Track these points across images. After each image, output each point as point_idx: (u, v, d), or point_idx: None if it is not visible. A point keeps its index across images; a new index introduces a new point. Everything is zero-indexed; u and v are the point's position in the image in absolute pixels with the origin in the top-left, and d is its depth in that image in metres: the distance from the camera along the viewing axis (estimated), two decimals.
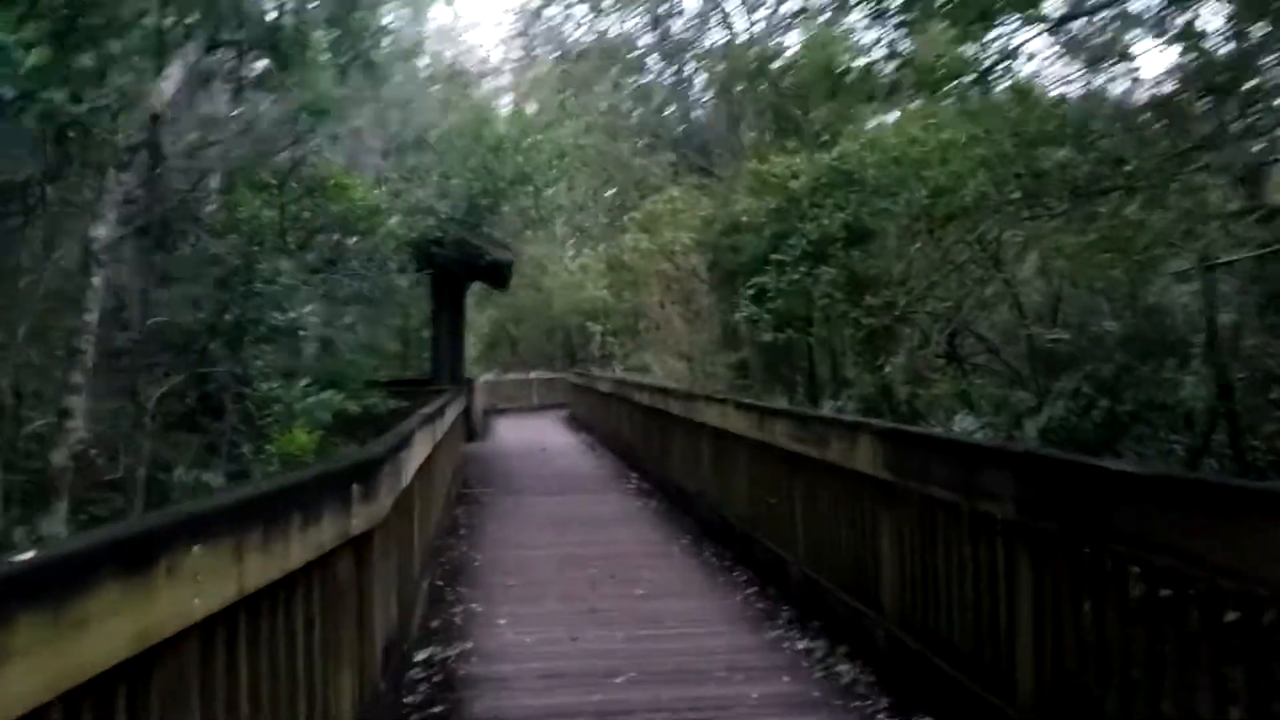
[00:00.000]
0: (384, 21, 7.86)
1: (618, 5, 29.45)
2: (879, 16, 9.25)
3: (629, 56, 30.43)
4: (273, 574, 3.17)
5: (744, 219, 15.11)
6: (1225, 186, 9.12)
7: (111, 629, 2.11)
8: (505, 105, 18.09)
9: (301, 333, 7.40)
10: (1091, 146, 8.20)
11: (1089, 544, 3.71)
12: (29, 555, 1.90)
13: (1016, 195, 8.97)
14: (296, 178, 7.76)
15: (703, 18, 28.00)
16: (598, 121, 25.01)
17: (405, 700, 5.26)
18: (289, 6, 6.78)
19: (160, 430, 6.58)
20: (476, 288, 27.34)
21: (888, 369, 11.74)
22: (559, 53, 31.54)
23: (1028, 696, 4.04)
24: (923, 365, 11.67)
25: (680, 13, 29.14)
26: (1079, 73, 10.89)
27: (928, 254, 11.15)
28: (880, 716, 4.92)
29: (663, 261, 18.64)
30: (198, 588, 2.61)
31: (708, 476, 10.39)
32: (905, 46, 8.03)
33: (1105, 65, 10.03)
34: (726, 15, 27.09)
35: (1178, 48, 9.20)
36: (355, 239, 8.56)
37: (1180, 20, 8.11)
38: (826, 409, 13.39)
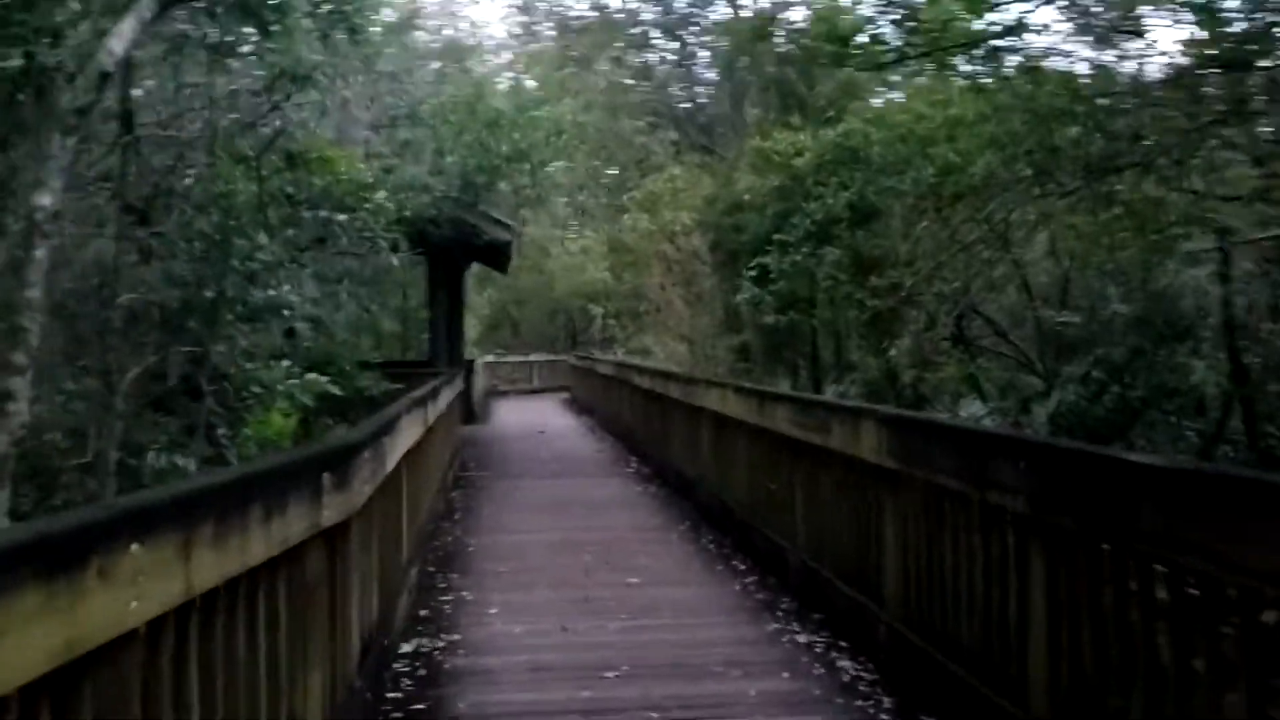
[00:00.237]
0: None
1: None
2: None
3: (631, 32, 30.04)
4: (229, 571, 2.95)
5: (746, 198, 14.83)
6: (1244, 164, 8.82)
7: (30, 640, 1.88)
8: (504, 81, 17.71)
9: (286, 312, 7.15)
10: (1106, 122, 7.90)
11: (1110, 542, 3.47)
12: None
13: (1028, 173, 8.67)
14: (276, 149, 7.49)
15: None
16: (598, 99, 24.66)
17: (387, 695, 5.04)
18: None
19: (137, 412, 6.36)
20: (477, 269, 27.10)
21: (893, 352, 11.48)
22: (560, 29, 31.16)
23: (1041, 701, 3.80)
24: (929, 348, 11.40)
25: None
26: (1091, 47, 10.61)
27: (935, 234, 10.87)
28: (883, 718, 4.69)
29: (663, 242, 18.37)
30: (137, 590, 2.39)
31: (707, 462, 10.18)
32: (913, 15, 7.73)
33: (1118, 40, 9.74)
34: None
35: (1192, 22, 8.93)
36: (344, 216, 8.31)
37: None
38: (829, 393, 13.17)
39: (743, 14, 24.81)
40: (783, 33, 18.13)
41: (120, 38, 4.71)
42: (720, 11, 27.81)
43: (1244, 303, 9.86)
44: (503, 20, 41.31)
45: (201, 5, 6.02)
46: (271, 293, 6.52)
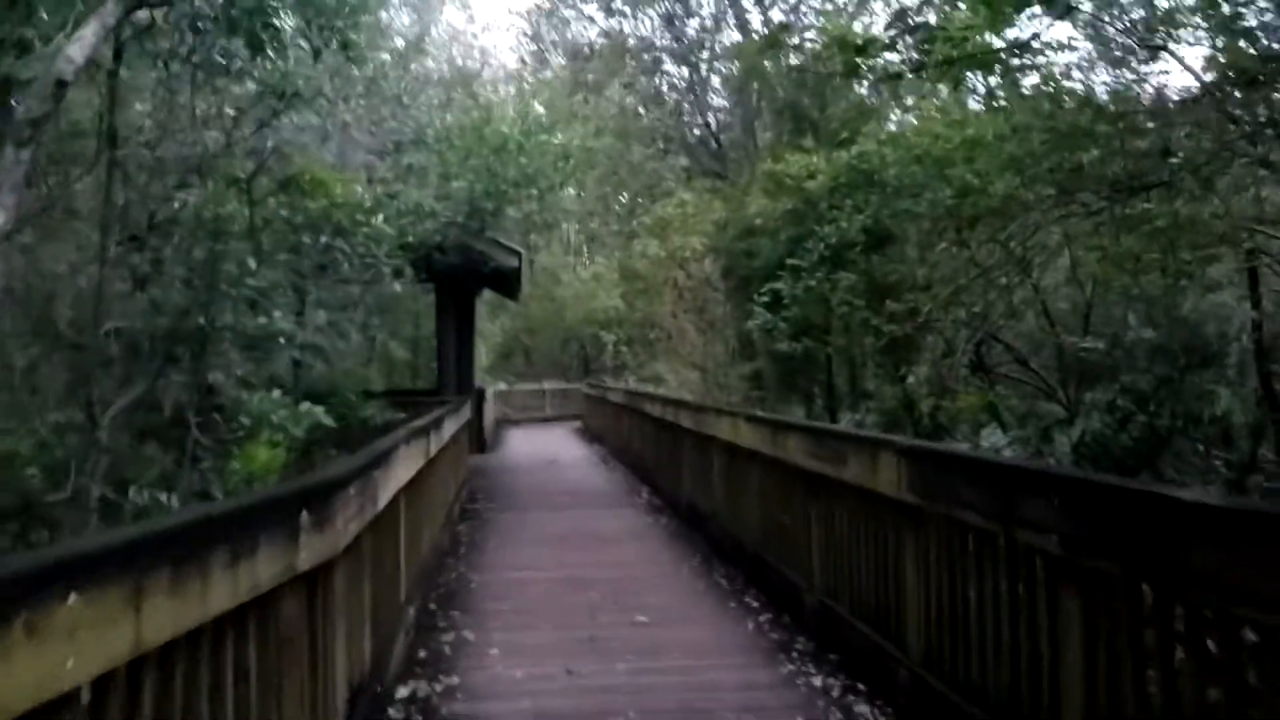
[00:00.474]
0: None
1: (629, 1, 28.95)
2: None
3: (643, 56, 29.96)
4: (186, 623, 2.70)
5: (758, 222, 14.56)
6: (1274, 182, 8.52)
7: None
8: (512, 108, 17.56)
9: (283, 340, 6.91)
10: (1131, 140, 7.62)
11: (1154, 586, 3.18)
12: None
13: (1050, 193, 8.38)
14: (267, 172, 7.28)
15: (717, 18, 27.49)
16: (608, 125, 24.52)
17: None
18: None
19: (127, 445, 6.12)
20: (489, 297, 26.94)
21: (910, 380, 11.14)
22: (570, 55, 31.13)
23: None
24: (948, 376, 11.07)
25: (695, 15, 28.65)
26: (1108, 69, 10.38)
27: (953, 257, 10.56)
28: None
29: (675, 269, 18.12)
30: (74, 646, 2.14)
31: (719, 493, 9.88)
32: (928, 24, 7.51)
33: (1136, 62, 9.50)
34: (743, 9, 26.53)
35: (1215, 42, 8.68)
36: (344, 242, 8.10)
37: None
38: (845, 422, 12.85)
39: (754, 37, 24.72)
40: (795, 41, 17.92)
41: (81, 44, 4.51)
42: (731, 37, 27.74)
43: (1271, 327, 9.55)
44: (513, 49, 41.43)
45: (185, 16, 5.82)
46: (263, 320, 6.28)
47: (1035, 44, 7.72)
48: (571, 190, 17.41)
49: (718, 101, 29.13)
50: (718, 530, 9.76)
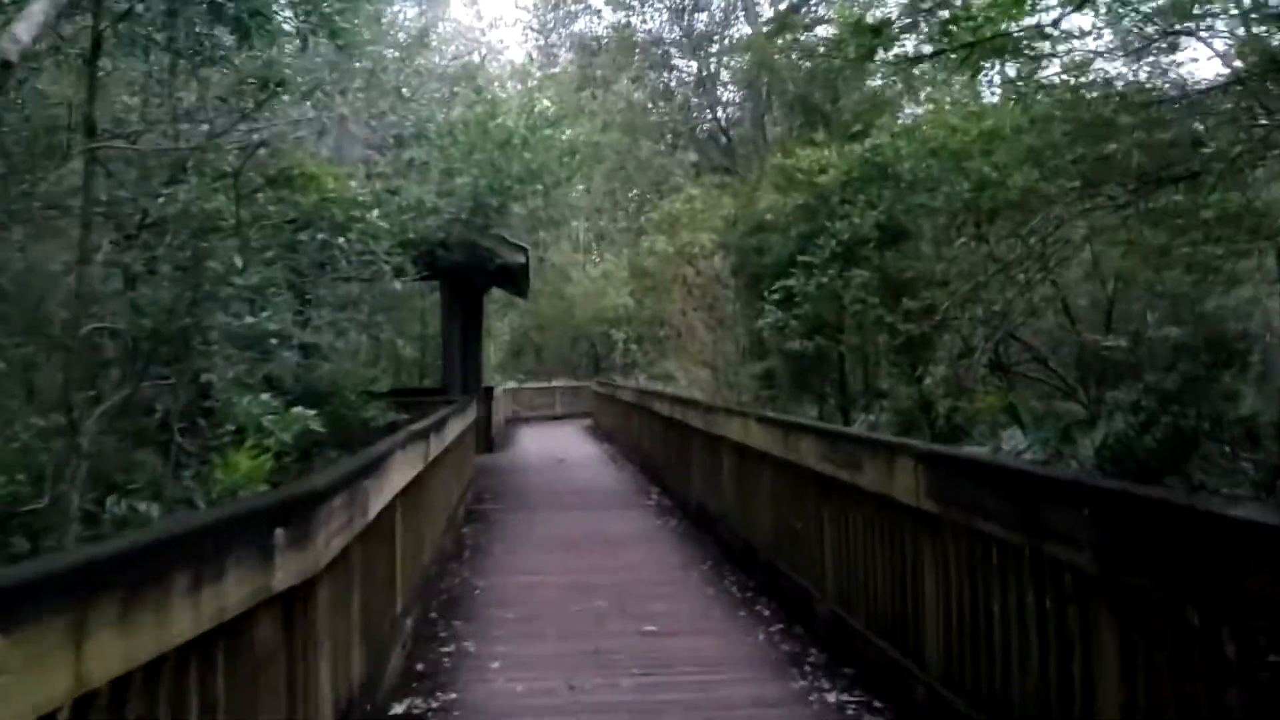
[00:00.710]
0: None
1: None
2: None
3: (652, 50, 29.63)
4: (141, 655, 2.46)
5: (768, 217, 14.26)
6: None
7: None
8: (517, 101, 17.30)
9: (274, 340, 6.67)
10: (1160, 129, 7.31)
11: (1199, 611, 2.91)
12: None
13: (1075, 184, 8.08)
14: (259, 166, 7.02)
15: (727, 10, 27.14)
16: (616, 119, 24.24)
17: None
18: None
19: (114, 450, 5.90)
20: (498, 295, 26.72)
21: (927, 380, 10.83)
22: (578, 49, 30.84)
23: None
24: (965, 376, 10.75)
25: (704, 8, 28.31)
26: (1127, 61, 10.08)
27: (971, 253, 10.24)
28: None
29: (684, 266, 17.84)
30: None
31: (729, 495, 9.62)
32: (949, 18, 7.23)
33: (1161, 46, 9.20)
34: (754, 1, 26.19)
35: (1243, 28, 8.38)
36: (343, 239, 7.85)
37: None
38: (859, 423, 12.57)
39: (764, 31, 24.39)
40: (806, 24, 17.56)
41: (29, 22, 4.25)
42: (741, 30, 27.38)
43: None
44: (520, 44, 41.14)
45: (163, 1, 5.58)
46: (251, 320, 6.04)
47: (1055, 30, 7.42)
48: (579, 186, 17.10)
49: (727, 96, 28.86)
50: (728, 533, 9.51)
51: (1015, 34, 7.17)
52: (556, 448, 22.67)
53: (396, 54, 11.42)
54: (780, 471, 7.67)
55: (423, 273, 10.70)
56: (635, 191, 28.65)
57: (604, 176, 24.21)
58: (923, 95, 14.64)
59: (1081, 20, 9.15)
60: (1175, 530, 2.97)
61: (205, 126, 6.73)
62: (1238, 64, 7.51)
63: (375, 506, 4.93)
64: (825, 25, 17.72)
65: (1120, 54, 11.35)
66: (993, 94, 11.69)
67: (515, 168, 13.30)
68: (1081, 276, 11.60)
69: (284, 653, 3.44)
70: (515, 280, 17.58)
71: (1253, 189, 7.51)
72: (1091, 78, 8.72)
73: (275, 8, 5.63)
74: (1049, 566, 3.70)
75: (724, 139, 27.00)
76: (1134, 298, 10.59)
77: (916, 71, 11.10)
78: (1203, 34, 7.75)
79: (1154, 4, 8.95)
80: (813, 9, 23.61)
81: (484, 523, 11.81)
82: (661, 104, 29.73)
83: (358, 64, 7.46)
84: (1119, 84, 9.43)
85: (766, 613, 7.30)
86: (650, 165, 26.29)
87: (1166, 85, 9.11)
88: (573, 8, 31.48)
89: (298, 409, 6.67)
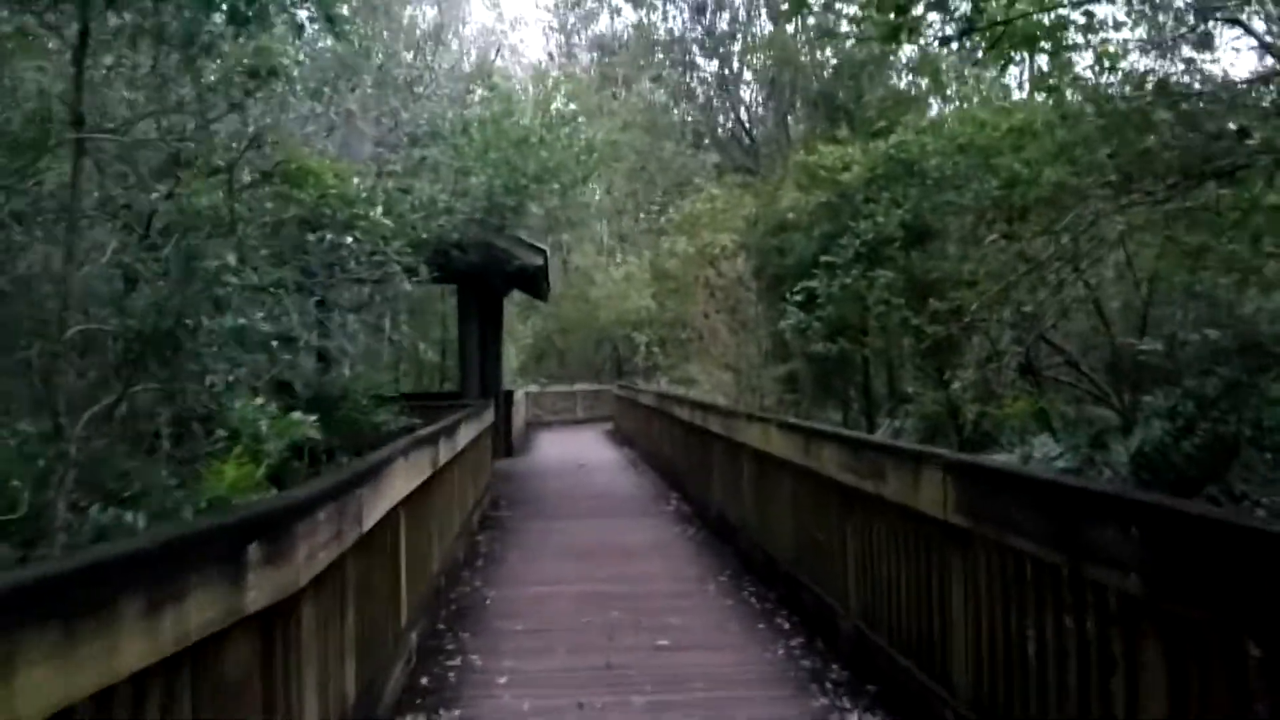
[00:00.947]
0: None
1: None
2: None
3: (673, 49, 29.33)
4: (85, 687, 2.24)
5: (790, 216, 13.94)
6: None
7: None
8: (534, 99, 17.06)
9: (275, 343, 6.46)
10: (1201, 121, 6.96)
11: (1260, 642, 2.62)
12: None
13: (1111, 178, 7.73)
14: (260, 159, 6.80)
15: (749, 9, 26.77)
16: (637, 119, 23.97)
17: None
18: None
19: (105, 457, 5.69)
20: (520, 299, 26.52)
21: (955, 384, 10.48)
22: (597, 48, 30.60)
23: None
24: (995, 380, 10.40)
25: (726, 7, 27.95)
26: (1166, 48, 9.74)
27: (1001, 251, 9.89)
28: None
29: (705, 268, 17.56)
30: None
31: (749, 504, 9.34)
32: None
33: (1191, 40, 8.85)
34: None
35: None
36: (350, 239, 7.62)
37: None
38: (884, 428, 12.24)
39: (786, 30, 24.05)
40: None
41: None
42: (764, 28, 27.02)
43: None
44: (543, 48, 41.01)
45: None
46: (243, 321, 5.83)
47: (1084, 18, 7.10)
48: (597, 186, 16.84)
49: (750, 95, 28.53)
50: (747, 543, 9.23)
51: (1050, 18, 6.86)
52: (576, 453, 22.44)
53: (409, 52, 11.18)
54: (802, 480, 7.39)
55: (436, 274, 10.45)
56: (660, 195, 28.34)
57: (625, 178, 23.93)
58: (950, 92, 14.31)
59: (1115, 10, 8.86)
60: (1235, 554, 2.68)
61: (191, 123, 6.50)
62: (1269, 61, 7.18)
63: (372, 517, 4.70)
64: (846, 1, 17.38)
65: (1151, 49, 11.02)
66: (1021, 91, 11.36)
67: (531, 166, 13.03)
68: (1114, 278, 11.22)
69: (260, 676, 3.20)
70: (534, 282, 17.33)
71: None
72: (1125, 68, 8.41)
73: None
74: (1090, 589, 3.41)
75: (747, 139, 26.68)
76: (1170, 300, 10.21)
77: (943, 66, 10.77)
78: (1241, 19, 7.40)
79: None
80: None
81: (499, 530, 11.58)
82: (683, 103, 29.41)
83: (366, 60, 7.21)
84: (1150, 79, 9.10)
85: (787, 626, 7.02)
86: (671, 166, 25.99)
87: (1198, 83, 8.78)
88: (593, 6, 31.28)
89: (297, 414, 6.44)
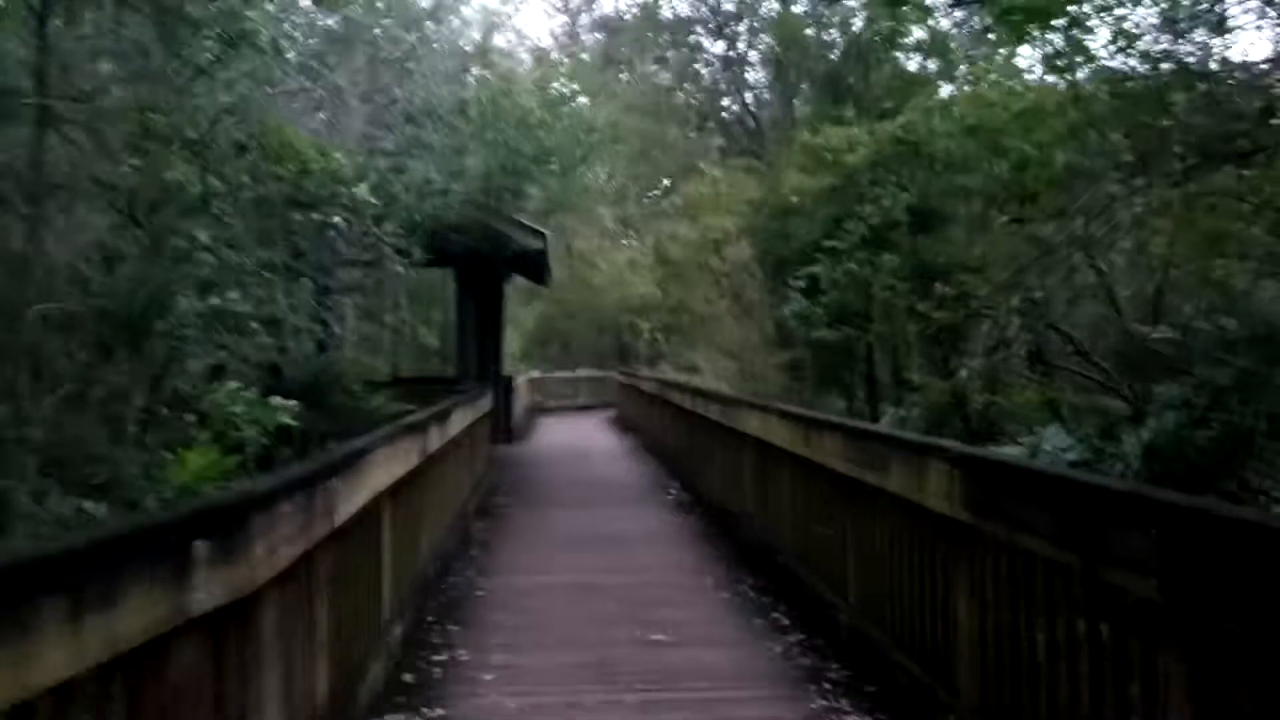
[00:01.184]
0: None
1: None
2: None
3: (678, 31, 28.96)
4: None
5: (794, 200, 13.65)
6: None
7: None
8: (533, 79, 16.75)
9: (254, 325, 6.23)
10: (1226, 101, 6.68)
11: None
12: None
13: (1127, 159, 7.46)
14: (226, 134, 6.54)
15: None
16: (640, 100, 23.65)
17: None
18: None
19: (71, 443, 5.48)
20: (522, 284, 26.24)
21: (961, 373, 10.22)
22: (601, 27, 30.22)
23: None
24: (1003, 368, 10.13)
25: None
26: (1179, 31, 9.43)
27: (1011, 234, 9.60)
28: None
29: (709, 253, 17.29)
30: None
31: (749, 494, 9.12)
32: None
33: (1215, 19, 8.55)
34: None
35: None
36: (338, 218, 7.39)
37: None
38: (888, 417, 12.00)
39: (792, 10, 23.71)
40: None
41: None
42: (771, 8, 26.61)
43: None
44: (547, 29, 40.65)
45: None
46: (216, 302, 5.59)
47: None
48: (599, 170, 16.55)
49: (755, 78, 28.16)
50: (747, 534, 9.02)
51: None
52: (577, 440, 22.27)
53: (406, 30, 10.90)
54: (802, 470, 7.17)
55: (431, 257, 10.17)
56: (665, 181, 28.02)
57: (629, 161, 23.58)
58: (959, 71, 13.99)
59: None
60: (1267, 560, 2.44)
61: (164, 94, 6.23)
62: None
63: (347, 509, 4.47)
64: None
65: (1165, 32, 10.71)
66: (1032, 74, 11.05)
67: (529, 147, 12.75)
68: (1124, 265, 10.93)
69: (212, 681, 2.98)
70: (534, 266, 17.07)
71: None
72: (1142, 48, 8.11)
73: None
74: (1107, 592, 3.18)
75: (752, 122, 26.36)
76: (1183, 288, 9.93)
77: (952, 45, 10.46)
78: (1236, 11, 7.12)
79: None
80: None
81: (495, 518, 11.38)
82: (688, 85, 29.04)
83: (360, 33, 6.95)
84: (1165, 64, 8.82)
85: (785, 621, 6.81)
86: (675, 149, 25.67)
87: (1215, 64, 8.50)
88: None
89: (275, 399, 6.22)
